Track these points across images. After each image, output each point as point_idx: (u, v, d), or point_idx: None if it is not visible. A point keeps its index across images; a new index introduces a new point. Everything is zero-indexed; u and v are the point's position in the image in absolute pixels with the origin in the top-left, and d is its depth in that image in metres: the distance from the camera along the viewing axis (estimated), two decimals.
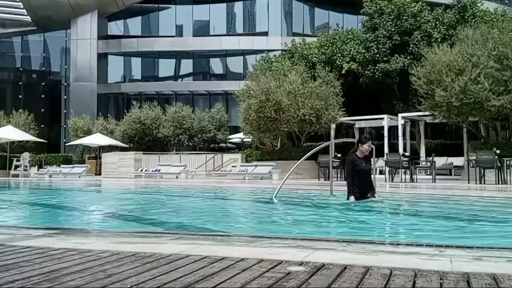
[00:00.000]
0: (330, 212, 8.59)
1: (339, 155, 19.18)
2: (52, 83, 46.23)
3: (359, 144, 7.95)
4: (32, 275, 2.33)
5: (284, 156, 22.02)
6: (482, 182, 15.47)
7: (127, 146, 31.09)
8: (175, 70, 42.89)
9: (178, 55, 41.95)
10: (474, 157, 15.98)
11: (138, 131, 31.67)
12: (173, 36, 41.54)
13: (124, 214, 7.97)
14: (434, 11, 25.26)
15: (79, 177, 24.70)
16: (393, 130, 23.28)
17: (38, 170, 29.05)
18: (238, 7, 41.64)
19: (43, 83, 45.79)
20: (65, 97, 44.07)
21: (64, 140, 42.16)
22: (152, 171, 24.56)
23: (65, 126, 41.40)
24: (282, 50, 32.27)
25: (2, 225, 5.04)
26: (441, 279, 2.24)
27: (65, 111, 43.72)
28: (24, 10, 41.17)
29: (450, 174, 20.84)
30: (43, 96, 45.25)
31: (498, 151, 15.37)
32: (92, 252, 2.93)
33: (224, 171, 24.75)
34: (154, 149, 30.74)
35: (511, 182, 15.37)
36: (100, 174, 28.62)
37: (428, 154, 21.49)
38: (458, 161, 20.20)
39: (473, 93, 16.55)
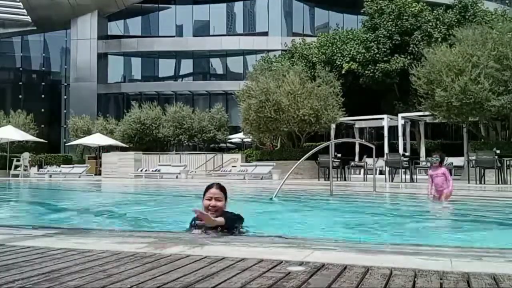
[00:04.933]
0: (330, 211, 8.58)
1: (339, 155, 19.20)
2: (52, 83, 46.23)
3: None
4: (32, 275, 2.33)
5: (284, 156, 22.02)
6: (482, 182, 15.46)
7: (127, 146, 31.08)
8: (175, 70, 42.90)
9: (178, 55, 41.96)
10: (474, 157, 15.98)
11: (138, 131, 31.67)
12: (173, 36, 41.55)
13: (124, 214, 7.97)
14: (435, 11, 25.25)
15: (79, 177, 24.69)
16: (393, 130, 23.28)
17: (38, 170, 29.03)
18: (238, 7, 41.64)
19: (43, 83, 45.79)
20: (65, 97, 44.09)
21: (64, 140, 42.16)
22: (152, 171, 24.56)
23: (65, 126, 41.39)
24: (282, 50, 32.27)
25: (2, 225, 5.04)
26: (441, 279, 2.24)
27: (65, 111, 43.73)
28: (24, 10, 41.18)
29: (450, 174, 20.82)
30: (43, 96, 45.25)
31: (498, 151, 15.36)
32: (92, 252, 2.93)
33: (224, 171, 24.75)
34: (154, 149, 30.74)
35: (511, 182, 15.36)
36: (100, 174, 28.61)
37: (428, 154, 21.48)
38: (458, 161, 20.19)
39: (473, 93, 16.56)
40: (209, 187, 4.31)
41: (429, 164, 8.23)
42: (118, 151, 29.77)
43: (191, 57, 42.02)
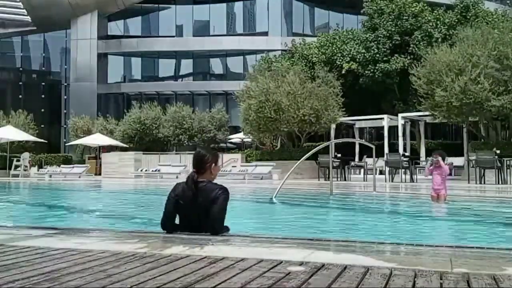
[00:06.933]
0: (330, 211, 8.59)
1: (339, 155, 19.21)
2: (52, 83, 46.21)
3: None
4: (32, 275, 2.33)
5: (284, 156, 22.00)
6: (482, 182, 15.46)
7: (127, 146, 31.08)
8: (175, 70, 42.88)
9: (178, 55, 41.94)
10: (474, 157, 15.98)
11: (138, 131, 31.66)
12: (173, 36, 41.52)
13: (124, 214, 7.97)
14: (435, 11, 25.25)
15: (79, 177, 24.68)
16: (393, 130, 23.28)
17: (38, 170, 29.00)
18: (238, 7, 41.62)
19: (43, 83, 45.76)
20: (65, 97, 44.06)
21: (64, 140, 42.13)
22: (152, 171, 24.54)
23: (65, 126, 41.36)
24: (282, 50, 32.25)
25: (2, 225, 5.04)
26: (441, 279, 2.24)
27: (65, 111, 43.70)
28: (24, 10, 41.14)
29: (450, 174, 20.79)
30: (43, 96, 45.22)
31: (498, 151, 15.36)
32: (92, 252, 2.93)
33: (224, 171, 24.71)
34: (154, 149, 30.71)
35: (511, 182, 15.36)
36: (100, 174, 28.59)
37: (428, 154, 21.47)
38: (458, 161, 20.20)
39: (473, 93, 16.55)
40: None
41: (428, 164, 8.21)
42: (118, 151, 29.76)
43: (191, 57, 41.99)
